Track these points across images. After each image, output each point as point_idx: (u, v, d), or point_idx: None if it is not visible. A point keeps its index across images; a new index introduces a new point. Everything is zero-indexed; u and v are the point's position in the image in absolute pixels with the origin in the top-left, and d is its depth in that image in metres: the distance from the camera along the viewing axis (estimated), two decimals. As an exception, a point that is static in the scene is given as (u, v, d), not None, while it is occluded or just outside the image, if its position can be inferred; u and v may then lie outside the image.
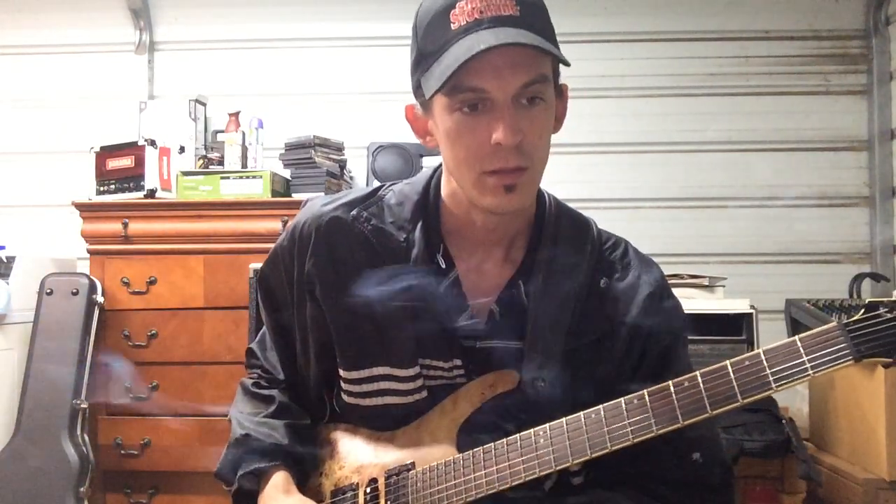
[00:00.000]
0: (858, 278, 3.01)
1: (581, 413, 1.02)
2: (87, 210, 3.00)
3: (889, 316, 0.88)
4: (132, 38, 3.63)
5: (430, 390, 1.17)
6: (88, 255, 3.02)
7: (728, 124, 3.49)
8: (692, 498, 1.13)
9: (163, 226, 2.97)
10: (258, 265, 2.71)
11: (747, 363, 0.94)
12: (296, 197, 3.06)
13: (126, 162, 3.01)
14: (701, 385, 0.95)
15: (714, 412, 0.94)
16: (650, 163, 3.49)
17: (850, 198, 3.46)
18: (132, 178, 3.00)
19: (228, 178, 3.01)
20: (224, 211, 2.96)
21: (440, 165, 1.19)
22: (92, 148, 3.08)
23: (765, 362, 0.92)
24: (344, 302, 1.17)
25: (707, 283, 2.76)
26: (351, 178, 3.41)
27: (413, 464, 1.14)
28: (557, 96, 1.11)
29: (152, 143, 3.01)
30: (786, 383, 0.91)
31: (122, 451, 2.92)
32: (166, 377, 2.94)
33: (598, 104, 3.46)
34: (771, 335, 2.68)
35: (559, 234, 1.18)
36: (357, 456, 1.21)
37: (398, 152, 3.17)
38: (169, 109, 3.29)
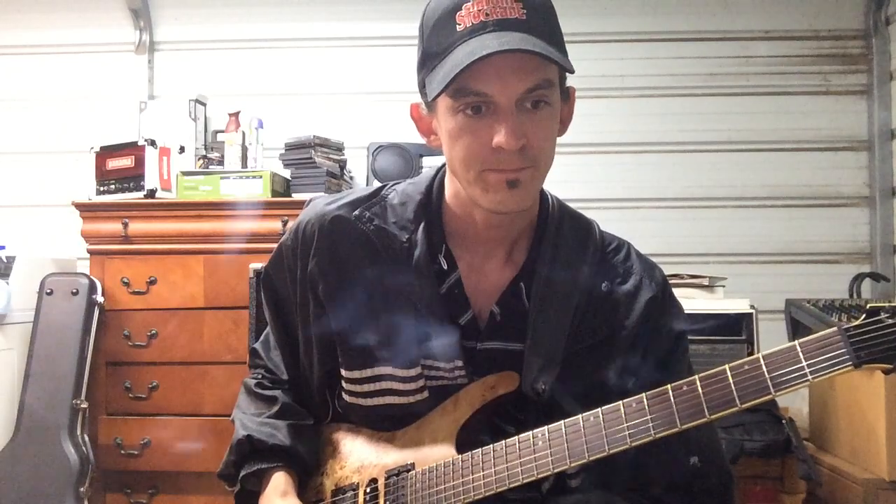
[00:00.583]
0: (858, 278, 3.01)
1: (580, 416, 1.02)
2: (87, 210, 3.00)
3: (890, 322, 0.87)
4: (132, 38, 3.63)
5: (432, 391, 1.17)
6: (88, 255, 3.02)
7: (728, 124, 3.49)
8: (691, 502, 1.13)
9: (163, 226, 2.97)
10: (258, 265, 2.71)
11: (746, 368, 0.94)
12: (296, 197, 3.06)
13: (126, 162, 3.01)
14: (700, 390, 0.95)
15: (712, 417, 0.94)
16: (650, 163, 3.49)
17: (850, 198, 3.46)
18: (132, 178, 3.00)
19: (228, 178, 3.01)
20: (224, 211, 2.96)
21: (443, 166, 1.20)
22: (92, 148, 3.08)
23: (764, 367, 0.92)
24: (346, 301, 1.17)
25: (707, 283, 2.76)
26: (351, 178, 3.41)
27: (413, 464, 1.14)
28: (564, 99, 1.10)
29: (152, 143, 3.01)
30: (785, 389, 0.91)
31: (122, 451, 2.92)
32: (166, 377, 2.94)
33: (598, 104, 3.46)
34: (771, 335, 2.70)
35: (561, 236, 1.18)
36: (358, 456, 1.21)
37: (398, 152, 3.17)
38: (169, 109, 3.30)
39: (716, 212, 3.48)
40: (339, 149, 3.31)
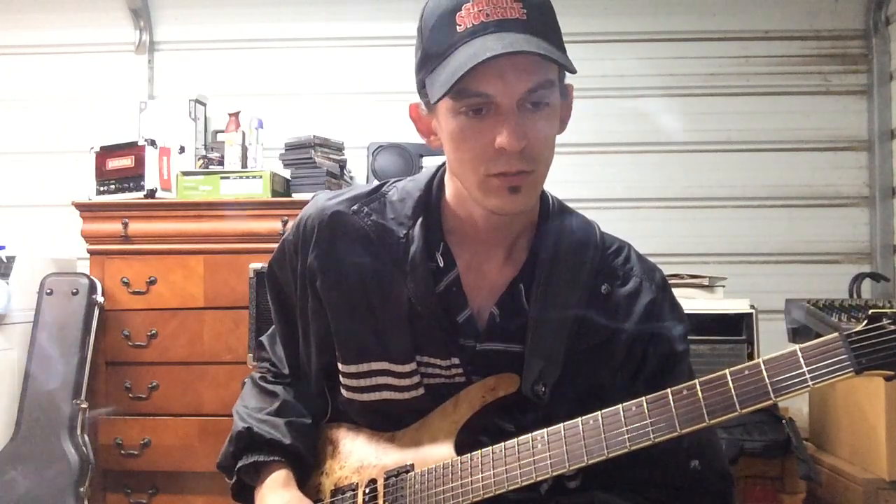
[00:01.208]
0: (858, 278, 3.01)
1: (579, 419, 1.02)
2: (87, 210, 3.00)
3: (892, 328, 0.86)
4: (132, 38, 3.63)
5: (428, 388, 1.17)
6: (88, 255, 3.02)
7: (728, 124, 3.49)
8: None
9: (163, 226, 2.97)
10: (258, 265, 2.73)
11: (747, 373, 0.93)
12: (296, 197, 3.07)
13: (126, 162, 3.01)
14: (699, 394, 0.95)
15: (712, 422, 0.93)
16: (650, 163, 3.49)
17: (850, 198, 3.46)
18: (132, 178, 3.00)
19: (228, 178, 3.01)
20: (224, 211, 2.96)
21: (443, 164, 1.20)
22: (92, 148, 3.08)
23: (764, 372, 0.92)
24: (343, 295, 1.18)
25: (707, 283, 2.76)
26: (351, 178, 3.41)
27: (412, 465, 1.14)
28: (563, 97, 1.10)
29: (152, 143, 3.01)
30: (785, 394, 0.90)
31: (122, 451, 2.92)
32: (166, 377, 2.94)
33: (598, 104, 3.46)
34: (771, 335, 2.70)
35: (561, 236, 1.18)
36: (358, 456, 1.21)
37: (398, 152, 3.18)
38: (169, 109, 3.30)
39: (716, 212, 3.48)
40: (339, 149, 3.31)
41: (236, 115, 3.20)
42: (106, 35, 3.65)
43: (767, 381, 0.91)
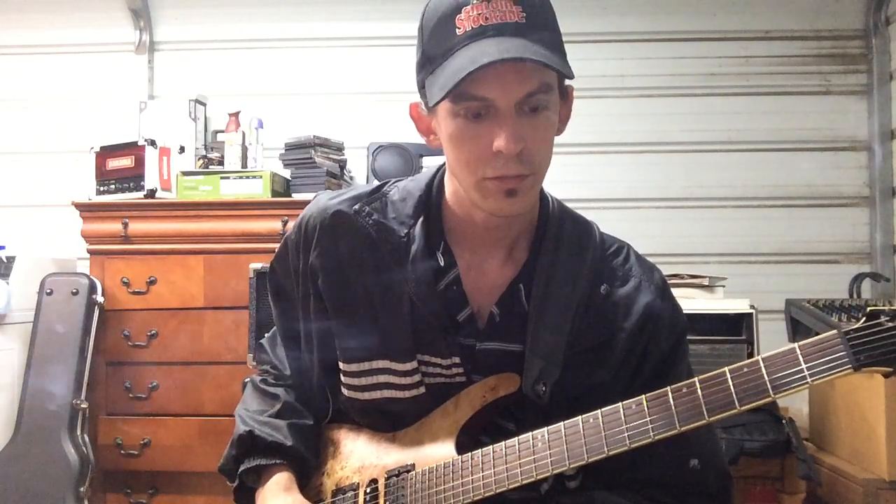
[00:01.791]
0: (858, 278, 3.01)
1: (579, 417, 1.02)
2: (87, 210, 3.00)
3: (890, 325, 0.87)
4: (132, 38, 3.64)
5: (429, 387, 1.17)
6: (88, 255, 3.02)
7: (728, 124, 3.49)
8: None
9: (163, 226, 2.97)
10: (258, 265, 2.73)
11: (746, 370, 0.93)
12: (296, 197, 3.07)
13: (126, 162, 3.01)
14: (699, 392, 0.95)
15: (711, 419, 0.94)
16: (650, 163, 3.49)
17: (850, 198, 3.46)
18: (132, 178, 3.00)
19: (228, 178, 3.02)
20: (224, 211, 2.97)
21: (444, 164, 1.20)
22: (92, 148, 3.08)
23: (763, 370, 0.92)
24: (345, 294, 1.19)
25: (707, 283, 2.76)
26: (351, 178, 3.41)
27: (413, 465, 1.14)
28: (562, 98, 1.11)
29: (152, 143, 3.01)
30: (784, 391, 0.91)
31: (122, 451, 2.92)
32: (166, 377, 2.94)
33: (598, 104, 3.46)
34: (771, 335, 2.70)
35: (561, 237, 1.18)
36: (359, 456, 1.22)
37: (398, 152, 3.18)
38: (169, 109, 3.30)
39: (716, 212, 3.48)
40: (339, 149, 3.31)
41: (236, 115, 3.20)
42: (106, 35, 3.65)
43: (766, 378, 0.92)
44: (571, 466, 1.00)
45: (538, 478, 1.02)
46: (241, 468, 1.23)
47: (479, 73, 0.97)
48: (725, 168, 3.48)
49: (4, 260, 2.97)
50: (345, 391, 1.22)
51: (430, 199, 1.20)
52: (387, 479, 1.15)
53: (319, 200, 1.25)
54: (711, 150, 3.49)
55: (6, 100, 3.67)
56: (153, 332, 2.94)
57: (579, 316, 1.14)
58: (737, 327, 2.61)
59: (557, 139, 1.11)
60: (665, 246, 3.34)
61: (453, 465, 1.10)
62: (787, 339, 2.73)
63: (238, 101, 3.35)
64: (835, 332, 0.89)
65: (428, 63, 1.06)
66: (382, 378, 1.18)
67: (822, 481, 2.44)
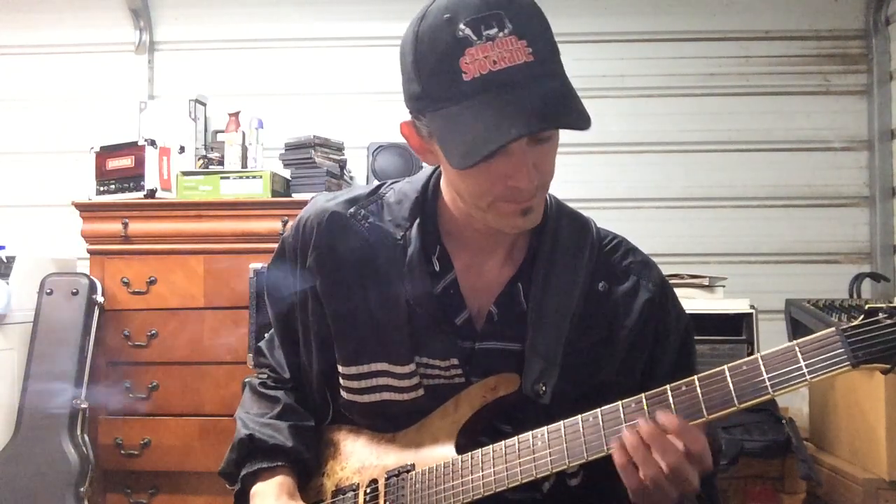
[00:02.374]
0: (858, 278, 3.01)
1: (579, 416, 1.02)
2: (87, 210, 3.00)
3: (888, 322, 0.87)
4: (132, 38, 3.64)
5: (428, 389, 1.17)
6: (88, 255, 3.02)
7: (728, 124, 3.49)
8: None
9: (163, 226, 2.97)
10: (258, 265, 2.73)
11: (745, 368, 0.94)
12: (296, 197, 3.07)
13: (126, 162, 3.01)
14: (698, 389, 0.95)
15: (711, 417, 0.94)
16: (650, 163, 3.49)
17: (850, 198, 3.46)
18: (132, 178, 3.00)
19: (228, 178, 3.01)
20: (224, 211, 2.97)
21: (439, 165, 1.19)
22: (92, 148, 3.08)
23: (762, 367, 0.92)
24: (342, 297, 1.18)
25: (707, 283, 2.76)
26: (351, 178, 3.41)
27: (413, 465, 1.14)
28: None
29: (152, 143, 3.01)
30: (783, 389, 0.91)
31: (122, 451, 2.92)
32: (166, 377, 2.94)
33: (598, 104, 3.44)
34: (771, 335, 2.70)
35: (559, 235, 1.18)
36: (359, 457, 1.22)
37: (398, 152, 3.18)
38: (169, 109, 3.30)
39: (716, 212, 3.49)
40: (339, 149, 3.31)
41: (236, 115, 3.20)
42: (106, 35, 3.65)
43: (766, 375, 0.92)
44: (571, 465, 1.00)
45: (538, 477, 1.02)
46: (243, 472, 1.23)
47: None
48: (725, 168, 3.48)
49: (4, 260, 2.97)
50: (344, 394, 1.22)
51: (426, 202, 1.19)
52: (387, 479, 1.15)
53: (317, 202, 1.25)
54: (711, 150, 3.49)
55: (6, 100, 3.67)
56: (153, 332, 2.94)
57: (578, 314, 1.14)
58: (737, 327, 2.61)
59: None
60: (665, 246, 3.33)
61: (453, 464, 1.10)
62: (787, 339, 2.70)
63: (238, 101, 3.35)
64: (833, 329, 0.90)
65: (430, 101, 1.01)
66: (381, 381, 1.18)
67: (822, 481, 2.44)
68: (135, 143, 3.02)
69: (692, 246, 3.45)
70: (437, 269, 1.16)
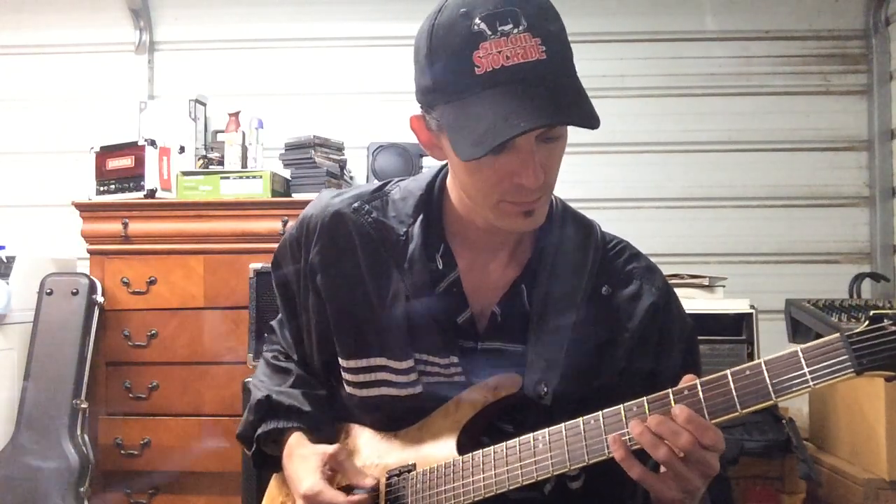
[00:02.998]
0: (858, 278, 3.01)
1: (580, 419, 1.02)
2: (87, 210, 3.00)
3: (893, 329, 0.86)
4: (132, 38, 3.63)
5: (427, 386, 1.17)
6: (88, 255, 3.02)
7: (728, 124, 3.49)
8: None
9: (163, 226, 2.97)
10: (258, 265, 2.73)
11: (748, 373, 0.93)
12: (296, 197, 3.07)
13: (126, 162, 3.01)
14: (700, 394, 0.95)
15: (713, 422, 0.93)
16: (650, 163, 3.49)
17: (850, 198, 3.46)
18: (132, 178, 3.00)
19: (228, 178, 3.02)
20: (224, 211, 2.97)
21: (446, 164, 1.20)
22: (92, 148, 3.08)
23: (765, 373, 0.92)
24: (343, 291, 1.19)
25: (707, 283, 2.76)
26: (351, 178, 3.41)
27: (414, 465, 1.14)
28: None
29: (152, 143, 3.01)
30: (786, 395, 0.90)
31: (122, 451, 2.92)
32: (166, 377, 2.94)
33: (598, 104, 3.41)
34: (771, 335, 2.70)
35: (564, 237, 1.19)
36: (361, 456, 1.22)
37: (398, 152, 3.18)
38: (169, 109, 3.30)
39: (716, 212, 3.49)
40: (339, 149, 3.31)
41: (236, 115, 3.20)
42: (106, 35, 3.65)
43: (768, 381, 0.91)
44: (572, 468, 1.00)
45: (538, 479, 1.02)
46: (259, 431, 1.24)
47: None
48: (725, 168, 3.48)
49: (4, 260, 2.97)
50: (346, 387, 1.23)
51: (432, 199, 1.20)
52: (388, 478, 1.15)
53: (321, 198, 1.26)
54: (711, 150, 3.49)
55: (6, 100, 3.67)
56: (153, 332, 2.94)
57: (581, 317, 1.14)
58: (737, 327, 2.61)
59: None
60: (665, 246, 3.33)
61: (454, 465, 1.10)
62: (787, 340, 2.73)
63: (238, 101, 3.35)
64: (837, 335, 0.89)
65: (440, 93, 1.02)
66: (381, 375, 1.18)
67: (822, 481, 2.44)
68: (135, 143, 3.02)
69: (692, 246, 3.45)
70: (441, 267, 1.17)
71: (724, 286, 2.82)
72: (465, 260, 1.18)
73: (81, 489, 2.78)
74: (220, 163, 3.21)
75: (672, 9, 3.54)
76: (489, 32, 0.96)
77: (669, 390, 0.97)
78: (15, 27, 3.67)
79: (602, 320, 1.15)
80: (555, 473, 1.02)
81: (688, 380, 0.97)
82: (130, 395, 2.93)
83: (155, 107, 3.34)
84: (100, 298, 2.93)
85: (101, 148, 3.07)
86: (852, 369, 0.87)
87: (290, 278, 1.29)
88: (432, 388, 1.17)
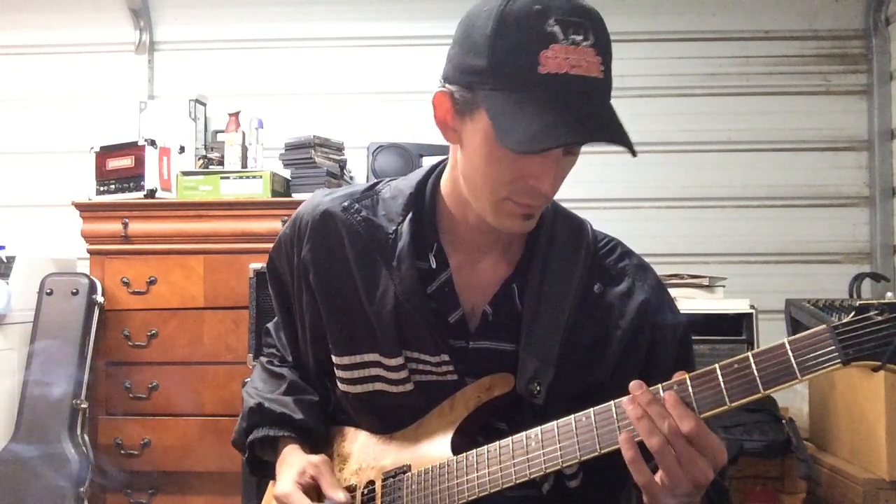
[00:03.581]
0: (858, 278, 3.01)
1: (572, 416, 1.02)
2: (87, 210, 3.01)
3: (879, 318, 0.86)
4: (132, 38, 3.64)
5: (418, 384, 1.17)
6: (88, 255, 3.03)
7: (728, 124, 3.49)
8: None
9: (163, 226, 2.97)
10: (258, 265, 2.73)
11: (736, 366, 0.93)
12: (296, 197, 3.07)
13: (126, 162, 3.02)
14: (690, 389, 0.95)
15: (703, 416, 0.93)
16: (650, 163, 3.48)
17: (850, 198, 3.46)
18: (132, 178, 3.00)
19: (228, 178, 3.02)
20: (224, 211, 2.97)
21: (440, 163, 1.21)
22: (92, 148, 3.09)
23: (753, 365, 0.92)
24: (334, 289, 1.20)
25: (707, 283, 2.76)
26: (351, 178, 3.41)
27: (409, 466, 1.14)
28: None
29: (152, 143, 3.02)
30: (775, 387, 0.90)
31: (122, 451, 2.93)
32: (166, 377, 2.94)
33: (597, 104, 3.44)
34: (771, 335, 2.68)
35: (555, 236, 1.19)
36: (356, 458, 1.22)
37: (398, 152, 3.17)
38: (169, 109, 3.30)
39: (716, 212, 3.48)
40: (339, 149, 3.31)
41: (236, 115, 3.20)
42: (106, 35, 3.66)
43: (756, 374, 0.91)
44: (565, 465, 1.00)
45: (532, 476, 1.02)
46: (250, 438, 1.26)
47: None
48: (725, 168, 3.48)
49: (4, 260, 2.98)
50: (339, 385, 1.24)
51: (423, 198, 1.20)
52: (383, 480, 1.16)
53: (314, 198, 1.27)
54: (711, 150, 3.49)
55: (6, 100, 3.67)
56: (153, 332, 2.94)
57: (573, 315, 1.14)
58: (737, 327, 2.61)
59: None
60: (665, 246, 3.34)
61: (448, 465, 1.10)
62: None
63: (238, 101, 3.36)
64: (824, 326, 0.89)
65: (494, 77, 1.00)
66: (373, 371, 1.19)
67: (822, 481, 2.44)
68: (135, 143, 3.03)
69: (692, 246, 3.45)
70: (434, 266, 1.17)
71: (724, 286, 2.82)
72: (456, 259, 1.18)
73: (81, 489, 2.78)
74: (220, 163, 3.21)
75: (672, 9, 3.54)
76: (561, 36, 0.98)
77: (659, 385, 0.97)
78: (15, 27, 3.67)
79: (594, 318, 1.15)
80: (547, 471, 1.02)
81: (678, 375, 0.97)
82: (130, 395, 2.93)
83: (155, 107, 3.34)
84: (100, 298, 2.94)
85: (101, 148, 3.07)
86: (839, 360, 0.87)
87: (284, 277, 1.31)
88: (424, 385, 1.17)
